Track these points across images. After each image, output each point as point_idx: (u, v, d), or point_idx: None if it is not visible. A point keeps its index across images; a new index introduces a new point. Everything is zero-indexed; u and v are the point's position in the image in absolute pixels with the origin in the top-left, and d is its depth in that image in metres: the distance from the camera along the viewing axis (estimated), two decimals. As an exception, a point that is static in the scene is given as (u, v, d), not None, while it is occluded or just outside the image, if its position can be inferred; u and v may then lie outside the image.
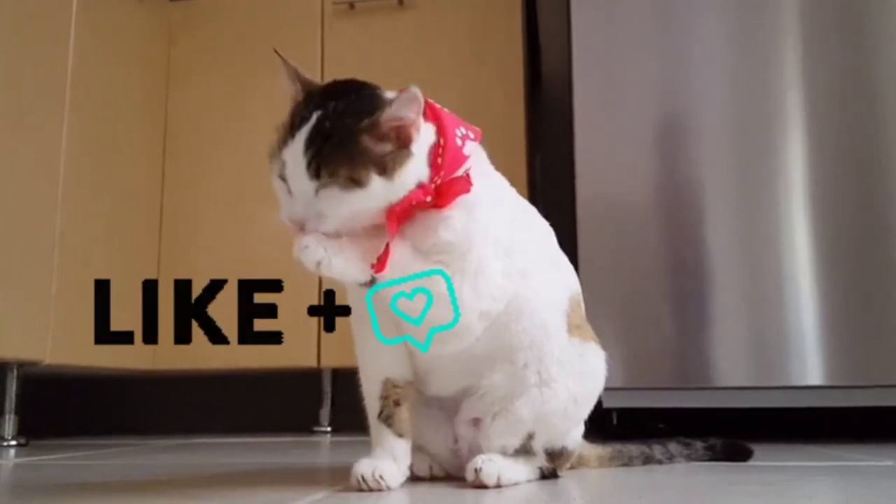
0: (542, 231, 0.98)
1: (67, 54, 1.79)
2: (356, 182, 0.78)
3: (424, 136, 0.82)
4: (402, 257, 0.82)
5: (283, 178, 0.80)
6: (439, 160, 0.82)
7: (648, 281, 1.57)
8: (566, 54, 1.72)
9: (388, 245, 0.80)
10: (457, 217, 0.83)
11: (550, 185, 2.28)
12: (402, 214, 0.81)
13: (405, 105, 0.78)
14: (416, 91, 0.78)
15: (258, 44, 2.18)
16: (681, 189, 1.59)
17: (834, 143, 1.55)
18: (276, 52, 0.87)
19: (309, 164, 0.78)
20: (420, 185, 0.81)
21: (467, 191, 0.83)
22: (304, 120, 0.79)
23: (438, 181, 0.82)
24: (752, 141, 1.57)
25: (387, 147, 0.79)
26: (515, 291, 0.88)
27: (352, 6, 2.13)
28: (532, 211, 0.98)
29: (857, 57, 1.57)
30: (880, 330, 1.48)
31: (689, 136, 1.61)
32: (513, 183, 0.97)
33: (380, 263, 0.80)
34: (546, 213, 1.00)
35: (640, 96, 1.63)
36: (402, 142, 0.80)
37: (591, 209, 1.61)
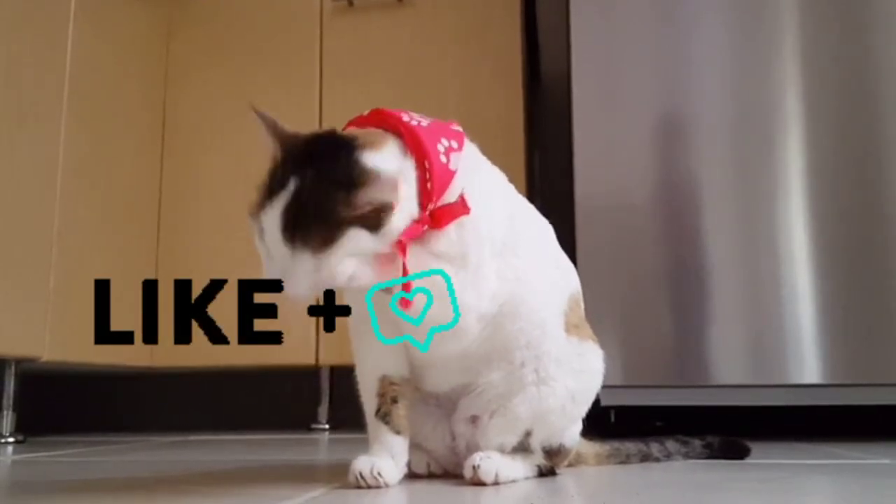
0: (540, 229, 0.98)
1: (66, 51, 1.79)
2: (326, 245, 0.76)
3: (407, 180, 0.80)
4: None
5: (263, 241, 0.80)
6: (428, 185, 0.81)
7: (647, 279, 1.57)
8: (565, 52, 1.72)
9: (404, 268, 0.80)
10: (451, 229, 0.83)
11: (549, 183, 2.28)
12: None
13: (381, 190, 0.76)
14: (390, 176, 0.76)
15: (257, 41, 2.18)
16: (679, 187, 1.59)
17: (833, 142, 1.55)
18: (253, 108, 0.85)
19: (284, 231, 0.77)
20: (414, 221, 0.80)
21: (466, 213, 0.83)
22: (282, 186, 0.78)
23: (433, 206, 0.81)
24: (750, 139, 1.57)
25: (364, 213, 0.77)
26: (511, 291, 0.88)
27: (350, 4, 2.13)
28: (530, 208, 0.98)
29: (857, 56, 1.57)
30: (878, 328, 1.48)
31: (687, 135, 1.61)
32: (511, 180, 0.97)
33: (405, 300, 0.81)
34: (545, 211, 1.00)
35: (638, 94, 1.63)
36: (383, 214, 0.78)
37: (589, 207, 1.61)
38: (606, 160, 1.62)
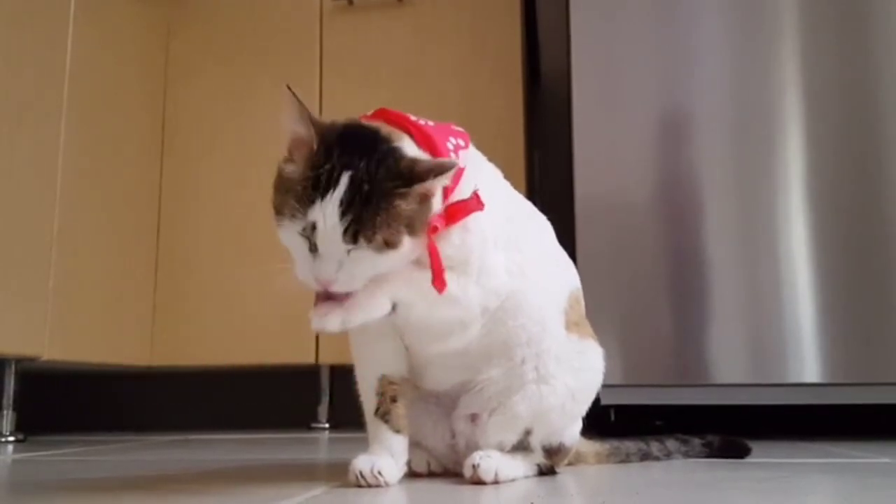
0: (540, 226, 0.98)
1: (65, 51, 1.79)
2: (390, 245, 0.77)
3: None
4: (410, 279, 0.82)
5: (305, 237, 0.77)
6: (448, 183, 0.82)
7: (646, 278, 1.57)
8: (565, 51, 1.72)
9: (438, 264, 0.80)
10: (454, 233, 0.83)
11: (549, 182, 2.28)
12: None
13: (443, 177, 0.78)
14: (456, 163, 0.79)
15: (257, 40, 2.17)
16: (679, 186, 1.59)
17: (833, 141, 1.55)
18: (288, 88, 0.82)
19: (346, 230, 0.75)
20: (436, 214, 0.81)
21: (480, 209, 0.83)
22: (334, 180, 0.76)
23: (447, 202, 0.82)
24: (750, 138, 1.57)
25: (414, 206, 0.78)
26: (514, 287, 0.88)
27: (350, 3, 2.12)
28: (529, 206, 0.98)
29: (857, 55, 1.57)
30: (878, 327, 1.48)
31: (687, 133, 1.61)
32: (511, 180, 0.97)
33: (440, 283, 0.81)
34: (545, 210, 1.00)
35: (638, 93, 1.63)
36: (426, 200, 0.79)
37: (589, 206, 1.61)
38: (606, 159, 1.62)
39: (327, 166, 0.77)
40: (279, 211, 0.79)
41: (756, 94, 1.59)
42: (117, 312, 1.95)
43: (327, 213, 0.75)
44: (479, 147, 0.93)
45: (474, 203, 0.83)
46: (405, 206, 0.77)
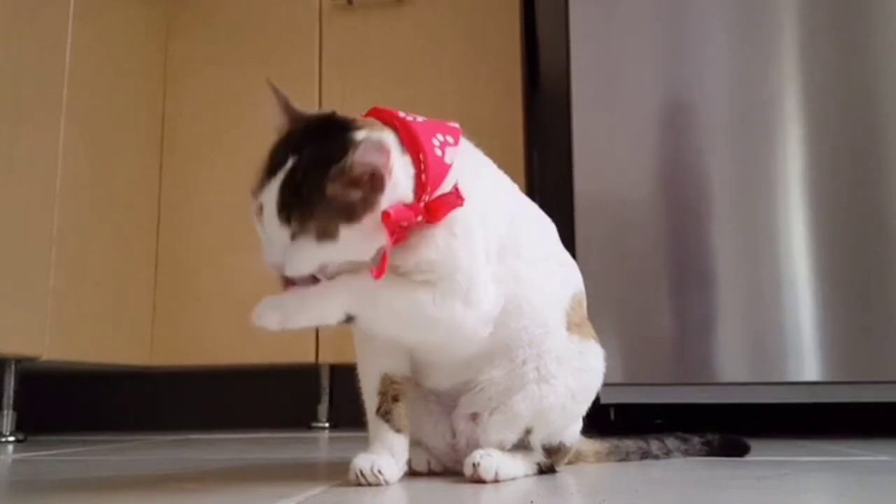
0: (543, 228, 0.98)
1: (65, 51, 1.79)
2: (326, 234, 0.77)
3: (403, 168, 0.81)
4: (362, 292, 0.81)
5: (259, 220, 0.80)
6: (423, 177, 0.81)
7: (646, 276, 1.57)
8: (564, 50, 1.72)
9: (385, 253, 0.79)
10: (439, 235, 0.82)
11: (548, 181, 2.28)
12: (397, 233, 0.80)
13: (368, 152, 0.76)
14: (379, 137, 0.78)
15: (256, 40, 2.17)
16: (679, 185, 1.59)
17: (834, 139, 1.55)
18: (268, 81, 0.84)
19: (280, 212, 0.77)
20: (408, 206, 0.80)
21: (459, 205, 0.81)
22: (281, 164, 0.78)
23: (427, 199, 0.81)
24: (750, 137, 1.57)
25: (357, 194, 0.77)
26: (512, 292, 0.88)
27: (350, 2, 2.12)
28: (533, 207, 0.98)
29: (856, 50, 1.57)
30: (878, 326, 1.48)
31: (687, 132, 1.61)
32: (511, 179, 0.97)
33: (378, 270, 0.79)
34: (544, 209, 1.00)
35: (637, 92, 1.63)
36: (375, 187, 0.78)
37: (589, 205, 1.61)
38: (606, 157, 1.62)
39: (280, 151, 0.80)
40: (252, 194, 0.82)
41: (756, 92, 1.59)
42: (117, 312, 1.95)
43: (270, 196, 0.78)
44: (477, 145, 0.93)
45: (453, 197, 0.81)
46: (339, 191, 0.77)
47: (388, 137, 0.82)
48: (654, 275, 1.57)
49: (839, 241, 1.52)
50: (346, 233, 0.77)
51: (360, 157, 0.76)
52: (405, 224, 0.80)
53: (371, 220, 0.78)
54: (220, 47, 2.19)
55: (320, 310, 0.81)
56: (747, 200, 1.56)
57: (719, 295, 1.54)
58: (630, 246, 1.58)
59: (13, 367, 1.74)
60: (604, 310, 1.54)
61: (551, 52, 2.35)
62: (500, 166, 0.96)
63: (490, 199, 0.89)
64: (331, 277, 0.81)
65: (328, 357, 2.01)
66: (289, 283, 0.80)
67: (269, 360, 2.03)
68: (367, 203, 0.78)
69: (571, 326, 0.93)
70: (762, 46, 1.60)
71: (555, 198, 1.85)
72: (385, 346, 0.89)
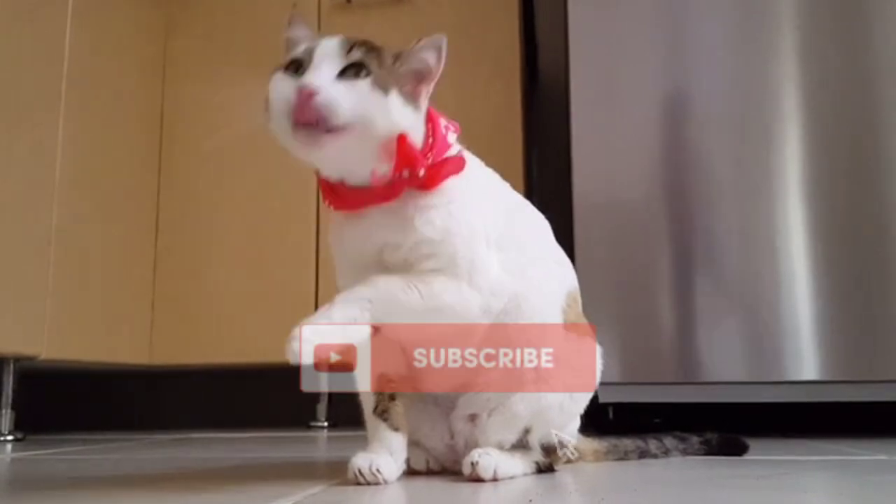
0: (538, 225, 0.98)
1: (64, 49, 1.79)
2: (381, 83, 0.80)
3: (419, 126, 0.85)
4: (391, 293, 0.82)
5: (297, 61, 0.83)
6: (430, 140, 0.84)
7: (645, 276, 1.57)
8: (563, 50, 1.71)
9: (393, 178, 0.82)
10: (434, 212, 0.84)
11: (547, 181, 2.28)
12: (399, 165, 0.82)
13: (428, 48, 0.84)
14: (443, 39, 0.84)
15: (255, 39, 2.17)
16: (677, 184, 1.59)
17: (832, 137, 1.55)
18: (294, 5, 0.91)
19: (343, 43, 0.81)
20: (421, 150, 0.83)
21: (460, 169, 0.85)
22: (328, 40, 0.82)
23: (430, 160, 0.84)
24: (749, 136, 1.57)
25: (408, 80, 0.84)
26: (514, 289, 0.88)
27: (348, 1, 2.12)
28: (527, 204, 0.99)
29: (855, 48, 1.57)
30: (876, 325, 1.48)
31: (685, 131, 1.61)
32: (509, 178, 0.97)
33: (390, 189, 0.83)
34: (543, 208, 1.00)
35: (636, 92, 1.63)
36: (417, 90, 0.84)
37: (587, 204, 1.61)
38: (604, 158, 1.62)
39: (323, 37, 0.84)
40: (274, 73, 0.85)
41: (755, 92, 1.59)
42: (116, 311, 1.95)
43: (328, 41, 0.82)
44: (476, 144, 0.94)
45: (457, 161, 0.86)
46: (397, 67, 0.83)
47: None
48: (652, 274, 1.57)
49: (838, 239, 1.52)
50: (394, 97, 0.81)
51: (420, 49, 0.83)
52: (411, 159, 0.82)
53: (414, 107, 0.83)
54: (219, 46, 2.19)
55: (343, 314, 0.81)
56: (746, 200, 1.56)
57: (718, 294, 1.54)
58: (629, 245, 1.58)
59: (12, 365, 1.74)
60: (603, 309, 1.54)
61: (550, 52, 2.35)
62: (498, 166, 0.96)
63: (486, 191, 0.90)
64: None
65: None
66: (304, 121, 0.80)
67: (268, 359, 2.02)
68: (414, 90, 0.84)
69: (568, 325, 0.93)
70: (761, 46, 1.60)
71: (554, 197, 1.85)
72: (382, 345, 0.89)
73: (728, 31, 1.63)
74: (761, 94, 1.59)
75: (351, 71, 0.80)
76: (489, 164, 0.96)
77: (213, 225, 2.10)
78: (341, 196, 0.86)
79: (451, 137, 0.88)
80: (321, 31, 2.14)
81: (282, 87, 0.81)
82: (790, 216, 1.54)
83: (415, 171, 0.82)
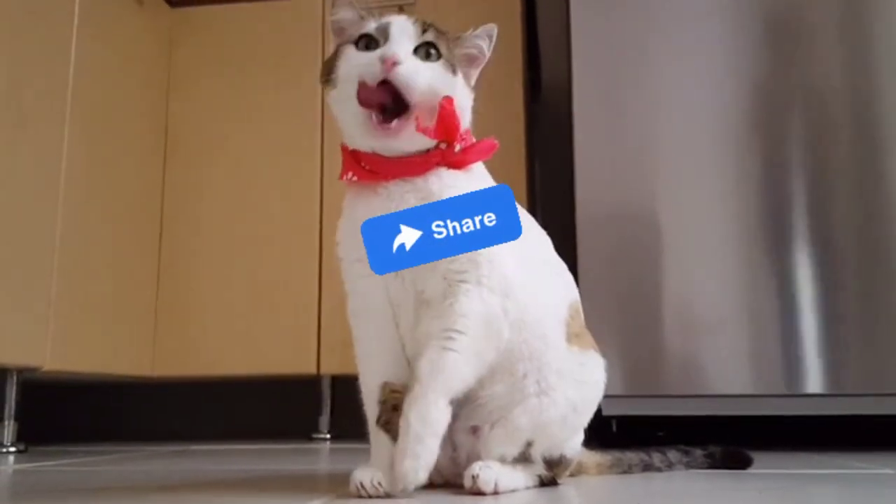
0: (540, 239, 0.98)
1: (69, 60, 1.80)
2: (451, 65, 0.87)
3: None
4: (444, 370, 0.82)
5: (371, 38, 0.85)
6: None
7: (648, 287, 1.57)
8: (566, 60, 1.72)
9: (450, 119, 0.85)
10: (458, 192, 0.85)
11: (550, 192, 2.28)
12: (429, 156, 0.86)
13: (482, 36, 0.91)
14: (494, 28, 0.91)
15: (259, 48, 2.18)
16: (680, 194, 1.60)
17: (838, 145, 1.55)
18: None
19: (418, 22, 0.86)
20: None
21: (491, 152, 0.90)
22: (395, 19, 0.87)
23: (461, 145, 0.87)
24: (751, 145, 1.58)
25: (463, 63, 0.91)
26: (519, 300, 0.87)
27: (352, 10, 2.13)
28: (529, 218, 0.98)
29: (860, 50, 1.57)
30: (880, 338, 1.48)
31: (688, 141, 1.61)
32: (512, 189, 0.97)
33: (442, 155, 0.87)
34: (545, 220, 1.00)
35: (639, 102, 1.64)
36: (473, 64, 0.93)
37: (590, 215, 1.61)
38: (607, 169, 1.62)
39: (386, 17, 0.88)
40: (340, 49, 0.88)
41: (759, 103, 1.59)
42: (119, 323, 1.95)
43: (398, 19, 0.86)
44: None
45: (488, 145, 0.90)
46: (457, 48, 0.90)
47: None
48: (655, 286, 1.57)
49: (842, 252, 1.52)
50: (461, 78, 0.88)
51: (476, 36, 0.91)
52: (452, 127, 0.85)
53: (469, 86, 0.91)
54: (223, 55, 2.20)
55: (437, 417, 0.81)
56: (749, 210, 1.56)
57: (721, 306, 1.54)
58: (631, 257, 1.58)
59: (14, 377, 1.74)
60: (605, 321, 1.54)
61: (553, 62, 2.36)
62: (501, 178, 0.96)
63: None
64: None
65: (329, 368, 2.01)
66: (381, 107, 0.83)
67: (270, 371, 2.03)
68: (467, 73, 0.91)
69: (571, 337, 0.92)
70: (765, 54, 1.60)
71: (556, 209, 1.86)
72: (384, 354, 0.88)
73: (732, 41, 1.63)
74: (766, 103, 1.59)
75: (422, 50, 0.85)
76: (491, 175, 0.96)
77: (217, 235, 2.10)
78: (374, 164, 0.87)
79: (470, 100, 0.93)
80: (325, 42, 2.16)
81: (358, 59, 0.85)
82: (794, 227, 1.54)
83: (452, 144, 0.85)
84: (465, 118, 0.89)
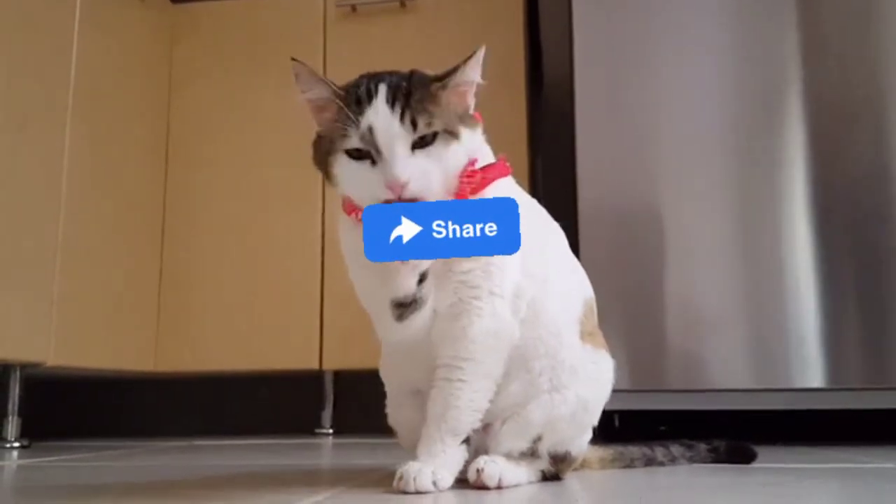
0: (556, 234, 0.98)
1: (70, 58, 1.80)
2: (451, 132, 0.79)
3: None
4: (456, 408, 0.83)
5: (362, 151, 0.78)
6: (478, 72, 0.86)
7: (650, 283, 1.57)
8: (568, 57, 1.72)
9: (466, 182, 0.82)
10: None
11: (552, 188, 2.28)
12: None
13: (474, 67, 0.84)
14: (481, 50, 0.84)
15: (260, 47, 2.18)
16: (682, 190, 1.59)
17: (838, 142, 1.55)
18: (293, 59, 0.85)
19: (402, 118, 0.77)
20: (470, 160, 0.83)
21: (506, 174, 0.87)
22: (372, 91, 0.79)
23: (473, 169, 0.84)
24: (753, 142, 1.57)
25: (456, 100, 0.83)
26: (534, 296, 0.87)
27: (354, 9, 2.13)
28: (544, 213, 0.98)
29: (860, 52, 1.57)
30: (882, 332, 1.48)
31: (690, 138, 1.61)
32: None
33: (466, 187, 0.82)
34: (547, 216, 1.00)
35: (641, 98, 1.64)
36: (466, 104, 0.85)
37: (592, 211, 1.61)
38: (609, 165, 1.62)
39: (361, 88, 0.80)
40: (330, 150, 0.80)
41: (760, 98, 1.59)
42: (121, 318, 1.95)
43: (379, 111, 0.78)
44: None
45: (501, 167, 0.86)
46: (447, 97, 0.81)
47: None
48: (658, 281, 1.57)
49: (843, 246, 1.52)
50: (465, 133, 0.81)
51: (468, 69, 0.83)
52: (468, 177, 0.82)
53: (476, 132, 0.84)
54: (225, 54, 2.20)
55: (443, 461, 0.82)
56: (750, 206, 1.56)
57: (724, 301, 1.54)
58: (634, 253, 1.58)
59: (18, 372, 1.74)
60: (608, 316, 1.51)
61: (555, 59, 2.35)
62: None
63: (510, 192, 0.89)
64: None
65: (332, 364, 2.01)
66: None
67: (273, 366, 2.03)
68: (468, 116, 0.84)
69: (584, 335, 0.92)
70: (766, 50, 1.60)
71: (559, 205, 1.85)
72: (413, 365, 0.89)
73: (733, 38, 1.63)
74: (767, 100, 1.59)
75: (419, 142, 0.79)
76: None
77: (218, 232, 2.10)
78: None
79: (478, 130, 0.87)
80: (326, 39, 2.16)
81: (358, 175, 0.79)
82: (795, 222, 1.54)
83: (470, 183, 0.82)
84: (483, 156, 0.86)
